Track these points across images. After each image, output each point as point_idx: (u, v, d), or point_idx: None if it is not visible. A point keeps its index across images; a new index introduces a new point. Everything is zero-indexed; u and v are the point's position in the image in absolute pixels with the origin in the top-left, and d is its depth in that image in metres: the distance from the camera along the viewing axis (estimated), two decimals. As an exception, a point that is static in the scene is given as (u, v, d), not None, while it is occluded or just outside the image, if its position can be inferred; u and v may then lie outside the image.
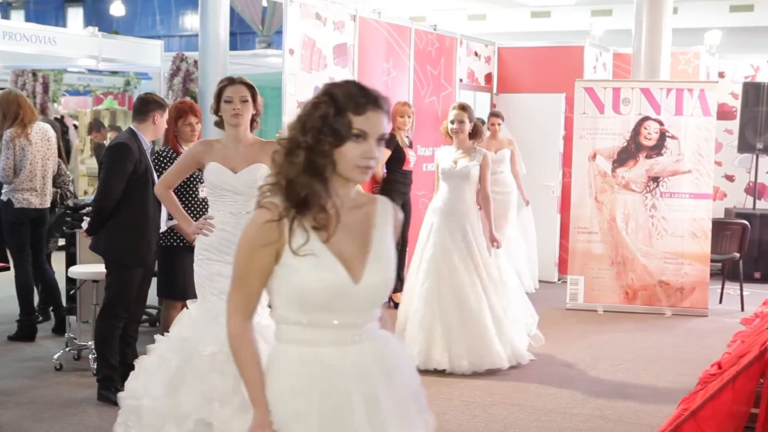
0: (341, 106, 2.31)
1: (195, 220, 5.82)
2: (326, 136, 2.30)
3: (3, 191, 7.18)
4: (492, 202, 6.84)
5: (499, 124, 9.52)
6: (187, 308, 4.74)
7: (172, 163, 5.96)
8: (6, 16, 21.80)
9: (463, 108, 6.88)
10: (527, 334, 7.05)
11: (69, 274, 6.82)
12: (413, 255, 7.04)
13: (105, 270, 5.74)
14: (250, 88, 4.64)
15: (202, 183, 6.01)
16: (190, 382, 4.34)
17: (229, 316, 2.41)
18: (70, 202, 7.47)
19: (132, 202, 5.54)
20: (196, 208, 5.98)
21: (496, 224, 6.97)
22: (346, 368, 2.35)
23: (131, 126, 5.73)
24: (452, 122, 6.81)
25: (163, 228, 5.85)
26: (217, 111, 4.64)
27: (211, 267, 4.54)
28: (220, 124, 4.68)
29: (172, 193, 4.87)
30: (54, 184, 7.40)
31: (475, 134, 6.83)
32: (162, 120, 5.72)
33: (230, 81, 4.64)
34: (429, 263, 6.72)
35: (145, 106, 5.69)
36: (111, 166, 5.58)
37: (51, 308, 7.68)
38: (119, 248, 5.59)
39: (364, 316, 2.41)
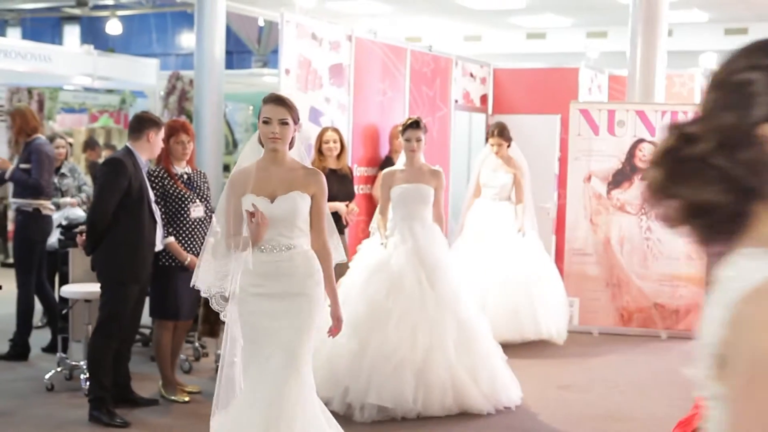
0: None
1: (187, 241, 5.79)
2: None
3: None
4: None
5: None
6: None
7: (163, 182, 5.94)
8: (2, 33, 21.78)
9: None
10: None
11: (61, 293, 6.78)
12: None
13: (98, 289, 5.72)
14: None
15: (193, 203, 5.98)
16: None
17: None
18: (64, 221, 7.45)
19: (127, 219, 5.54)
20: (188, 228, 5.95)
21: None
22: None
23: (127, 144, 5.75)
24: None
25: (158, 247, 5.82)
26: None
27: None
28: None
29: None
30: None
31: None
32: (157, 138, 5.73)
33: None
34: None
35: (140, 124, 5.72)
36: (105, 182, 5.59)
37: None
38: (114, 265, 5.58)
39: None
